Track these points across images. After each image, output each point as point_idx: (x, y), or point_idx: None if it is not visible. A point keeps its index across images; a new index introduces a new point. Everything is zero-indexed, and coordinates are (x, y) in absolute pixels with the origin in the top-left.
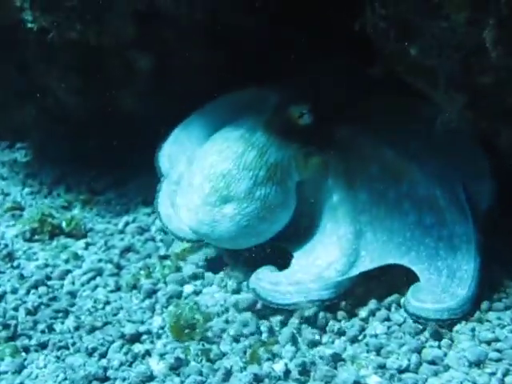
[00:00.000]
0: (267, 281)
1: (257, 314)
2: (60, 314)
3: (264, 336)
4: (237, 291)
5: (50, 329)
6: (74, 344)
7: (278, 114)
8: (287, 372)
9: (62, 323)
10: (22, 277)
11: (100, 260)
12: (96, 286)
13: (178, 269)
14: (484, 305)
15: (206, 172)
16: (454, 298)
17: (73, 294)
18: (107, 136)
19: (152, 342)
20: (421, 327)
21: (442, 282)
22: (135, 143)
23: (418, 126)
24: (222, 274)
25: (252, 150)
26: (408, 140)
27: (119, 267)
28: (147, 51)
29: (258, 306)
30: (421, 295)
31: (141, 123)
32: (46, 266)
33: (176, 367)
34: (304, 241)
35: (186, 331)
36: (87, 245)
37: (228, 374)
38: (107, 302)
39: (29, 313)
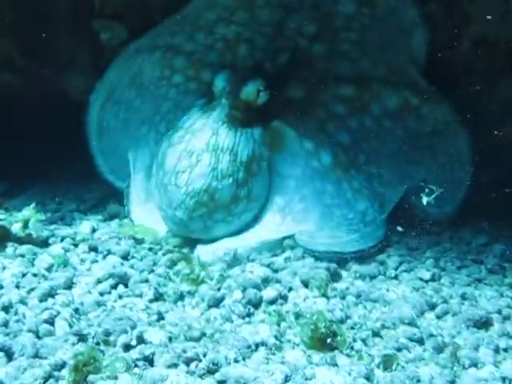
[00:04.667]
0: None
1: None
2: (122, 326)
3: None
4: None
5: (140, 339)
6: (205, 354)
7: (234, 102)
8: None
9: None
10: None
11: (114, 266)
12: (120, 296)
13: (222, 274)
14: None
15: (183, 190)
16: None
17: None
18: None
19: (274, 353)
20: None
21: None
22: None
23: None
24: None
25: (224, 156)
26: (358, 61)
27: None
28: None
29: None
30: None
31: None
32: (23, 275)
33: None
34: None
35: (329, 341)
36: (66, 251)
37: None
38: (160, 314)
39: None
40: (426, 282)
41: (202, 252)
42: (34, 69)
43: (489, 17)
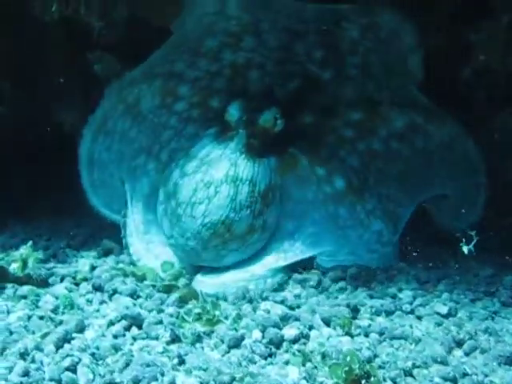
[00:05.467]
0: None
1: None
2: (152, 372)
3: None
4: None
5: None
6: None
7: (252, 131)
8: None
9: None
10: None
11: (127, 307)
12: (134, 338)
13: (238, 313)
14: None
15: (200, 221)
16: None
17: (116, 348)
18: None
19: None
20: None
21: None
22: None
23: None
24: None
25: (243, 187)
26: (364, 85)
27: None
28: None
29: None
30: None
31: None
32: (29, 318)
33: None
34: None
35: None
36: (69, 291)
37: None
38: (180, 357)
39: None
40: (445, 316)
41: (203, 284)
42: (25, 101)
43: (492, 46)
